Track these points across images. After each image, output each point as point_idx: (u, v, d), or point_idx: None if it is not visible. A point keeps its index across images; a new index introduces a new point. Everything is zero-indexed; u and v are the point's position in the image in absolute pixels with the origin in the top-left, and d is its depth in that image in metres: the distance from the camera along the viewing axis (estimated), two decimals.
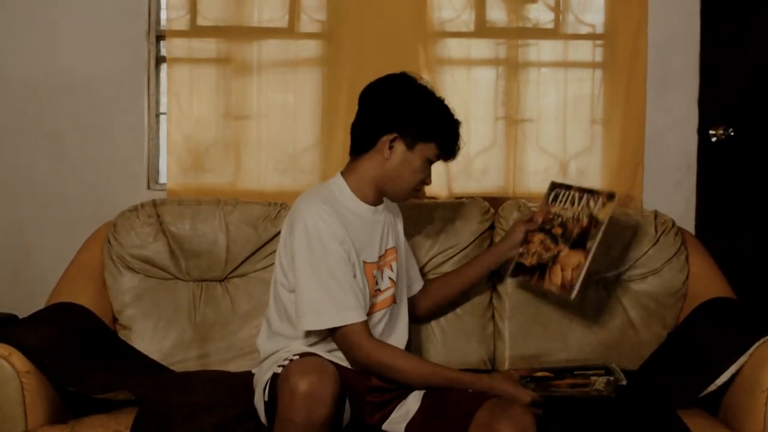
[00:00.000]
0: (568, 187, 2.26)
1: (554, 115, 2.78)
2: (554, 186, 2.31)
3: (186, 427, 1.89)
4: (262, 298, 2.40)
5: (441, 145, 1.97)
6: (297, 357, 1.84)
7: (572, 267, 2.12)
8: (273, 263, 2.36)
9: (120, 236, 2.43)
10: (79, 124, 2.76)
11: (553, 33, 2.78)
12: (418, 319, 2.32)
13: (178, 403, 1.99)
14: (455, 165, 2.73)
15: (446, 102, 2.00)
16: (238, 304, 2.45)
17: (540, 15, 2.77)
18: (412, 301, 2.20)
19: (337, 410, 1.72)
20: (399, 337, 2.07)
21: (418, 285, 2.30)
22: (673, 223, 2.52)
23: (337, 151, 2.69)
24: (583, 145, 2.78)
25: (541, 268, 2.20)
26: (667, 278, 2.47)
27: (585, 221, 2.16)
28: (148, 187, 2.78)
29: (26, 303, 2.51)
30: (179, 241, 2.45)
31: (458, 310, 2.46)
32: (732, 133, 2.75)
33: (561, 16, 2.77)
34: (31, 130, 2.77)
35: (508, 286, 2.48)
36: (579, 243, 2.15)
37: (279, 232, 2.39)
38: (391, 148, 1.94)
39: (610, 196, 2.14)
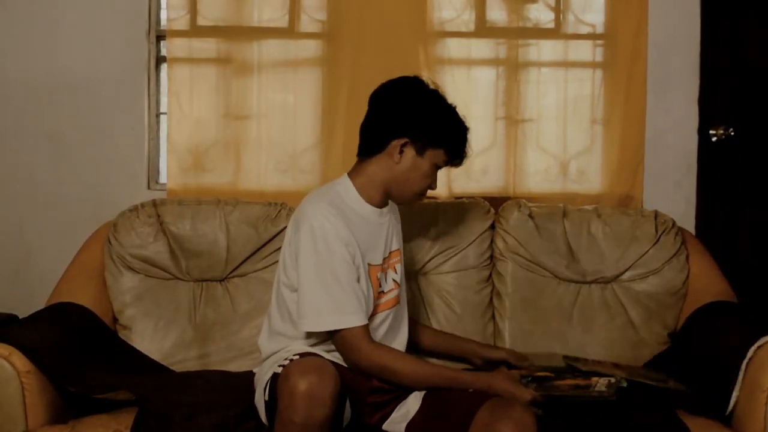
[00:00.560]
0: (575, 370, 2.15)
1: (554, 115, 2.78)
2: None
3: (186, 427, 1.89)
4: (262, 298, 2.40)
5: (449, 151, 1.97)
6: (297, 357, 1.84)
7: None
8: (273, 263, 2.39)
9: (120, 236, 2.43)
10: (80, 124, 2.76)
11: (554, 33, 2.78)
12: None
13: (178, 403, 1.99)
14: None
15: (456, 108, 2.00)
16: (238, 304, 2.45)
17: (540, 15, 2.77)
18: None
19: (337, 410, 1.72)
20: (401, 338, 2.08)
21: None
22: (674, 223, 2.52)
23: (337, 151, 2.69)
24: (584, 145, 2.78)
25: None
26: (667, 278, 2.47)
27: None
28: (149, 187, 2.78)
29: (26, 303, 2.51)
30: (179, 241, 2.45)
31: (458, 310, 2.46)
32: (732, 133, 2.75)
33: (561, 16, 2.77)
34: (31, 130, 2.77)
35: (509, 286, 2.49)
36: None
37: (279, 232, 2.42)
38: (401, 152, 1.94)
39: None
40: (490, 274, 2.51)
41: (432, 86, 1.99)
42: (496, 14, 2.78)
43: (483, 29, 2.77)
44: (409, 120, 1.93)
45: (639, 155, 2.75)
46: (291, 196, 2.52)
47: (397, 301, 2.05)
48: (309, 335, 1.93)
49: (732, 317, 2.29)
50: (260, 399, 1.91)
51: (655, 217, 2.52)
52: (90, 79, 2.76)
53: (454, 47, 2.75)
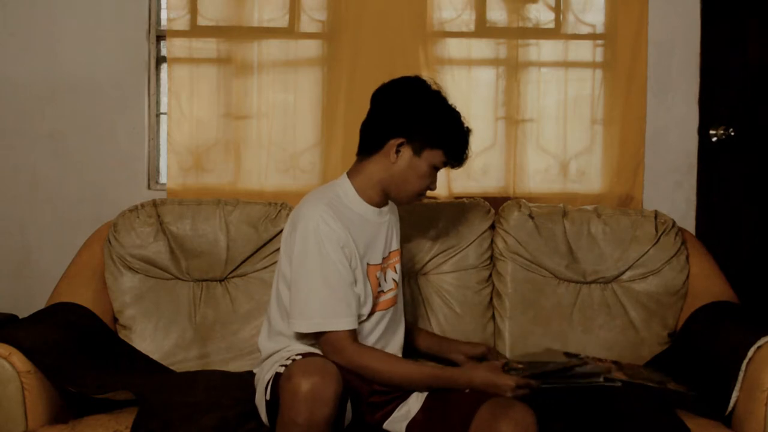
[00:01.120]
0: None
1: (554, 115, 2.78)
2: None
3: (186, 427, 1.89)
4: (262, 298, 2.40)
5: (448, 152, 1.96)
6: (299, 357, 1.83)
7: None
8: (273, 263, 2.39)
9: (120, 236, 2.43)
10: (80, 124, 2.76)
11: (554, 33, 2.78)
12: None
13: (178, 403, 1.98)
14: None
15: (457, 109, 1.99)
16: (238, 304, 2.45)
17: (540, 15, 2.77)
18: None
19: (339, 411, 1.72)
20: (398, 338, 2.08)
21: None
22: (674, 223, 2.52)
23: (337, 151, 2.69)
24: (584, 145, 2.78)
25: None
26: (667, 278, 2.47)
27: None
28: (149, 187, 2.78)
29: (26, 303, 2.51)
30: (179, 241, 2.45)
31: (458, 310, 2.46)
32: (732, 133, 2.75)
33: (561, 16, 2.77)
34: (31, 129, 2.77)
35: (509, 286, 2.49)
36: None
37: (279, 232, 2.42)
38: (398, 152, 1.93)
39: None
40: (490, 274, 2.51)
41: (435, 87, 1.98)
42: (496, 14, 2.78)
43: (483, 29, 2.77)
44: (406, 120, 1.93)
45: (639, 155, 2.75)
46: (291, 196, 2.53)
47: (394, 301, 2.06)
48: (304, 335, 1.93)
49: (732, 317, 2.29)
50: (261, 399, 1.91)
51: (655, 217, 2.52)
52: (90, 79, 2.76)
53: (454, 47, 2.75)
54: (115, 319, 2.41)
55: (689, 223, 2.76)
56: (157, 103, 2.82)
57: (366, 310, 1.95)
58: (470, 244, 2.49)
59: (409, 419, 1.93)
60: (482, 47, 2.78)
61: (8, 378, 1.93)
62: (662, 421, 1.98)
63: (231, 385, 2.15)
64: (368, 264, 1.97)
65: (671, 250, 2.48)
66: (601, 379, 1.92)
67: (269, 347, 2.00)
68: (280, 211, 2.48)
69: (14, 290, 2.76)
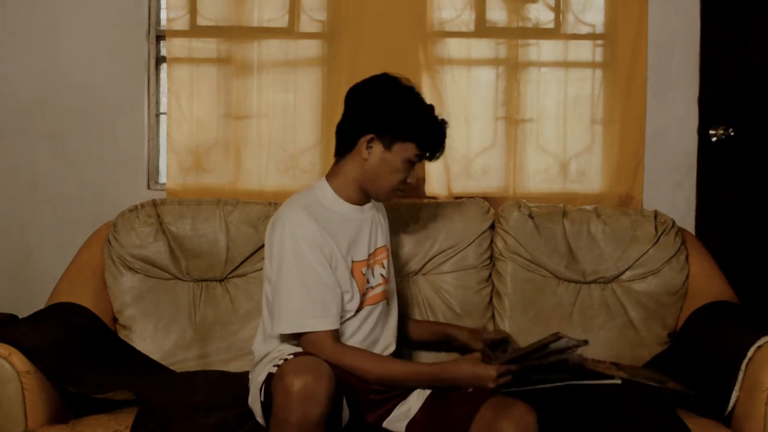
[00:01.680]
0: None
1: (554, 115, 2.78)
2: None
3: (186, 427, 1.89)
4: (262, 298, 2.40)
5: (421, 145, 1.98)
6: (291, 356, 1.84)
7: None
8: None
9: (120, 236, 2.43)
10: (80, 124, 2.76)
11: (554, 33, 2.77)
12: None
13: (178, 403, 1.98)
14: (455, 165, 2.74)
15: (429, 103, 2.01)
16: (238, 304, 2.45)
17: (540, 15, 2.77)
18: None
19: (333, 409, 1.72)
20: (389, 333, 2.09)
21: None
22: (673, 223, 2.52)
23: None
24: (584, 145, 2.78)
25: None
26: (667, 278, 2.47)
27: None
28: (148, 187, 2.78)
29: (26, 303, 2.51)
30: (179, 241, 2.45)
31: (458, 310, 2.46)
32: (732, 133, 2.75)
33: (561, 16, 2.77)
34: (31, 130, 2.77)
35: (508, 286, 2.49)
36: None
37: None
38: (369, 148, 1.96)
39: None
40: (490, 274, 2.51)
41: (406, 83, 2.00)
42: (496, 14, 2.77)
43: (483, 29, 2.77)
44: (375, 115, 1.96)
45: (639, 155, 2.75)
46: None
47: (384, 296, 2.06)
48: (292, 336, 1.95)
49: (732, 317, 2.29)
50: (255, 401, 1.91)
51: (655, 217, 2.53)
52: (90, 79, 2.75)
53: (454, 47, 2.75)
54: (115, 319, 2.41)
55: (689, 223, 2.75)
56: (157, 103, 2.82)
57: (353, 306, 1.97)
58: (470, 244, 2.49)
59: (410, 418, 1.93)
60: (482, 47, 2.78)
61: (8, 378, 1.93)
62: (662, 421, 1.98)
63: (231, 385, 2.15)
64: (353, 261, 1.98)
65: (671, 250, 2.48)
66: (579, 351, 1.92)
67: (262, 349, 2.01)
68: None
69: (14, 290, 2.76)
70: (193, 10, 2.73)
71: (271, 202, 2.51)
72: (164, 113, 2.79)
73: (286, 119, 2.73)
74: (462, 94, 2.74)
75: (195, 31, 2.74)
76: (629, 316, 2.47)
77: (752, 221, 2.78)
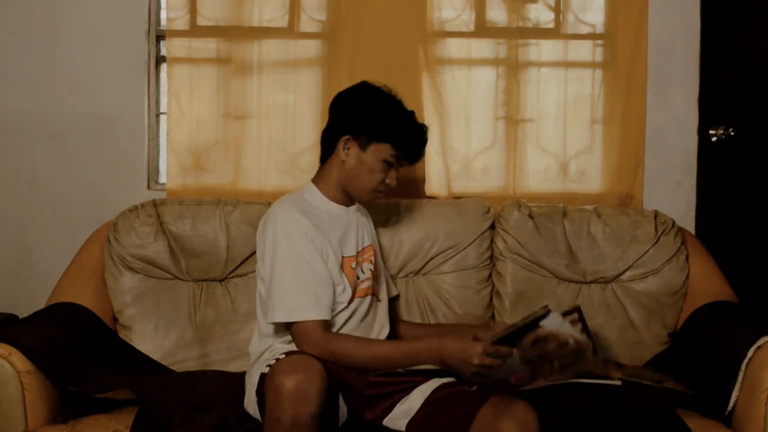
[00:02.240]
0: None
1: (554, 114, 2.78)
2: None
3: (186, 427, 1.89)
4: (256, 298, 2.40)
5: (396, 145, 2.03)
6: (283, 356, 1.84)
7: None
8: None
9: (120, 236, 2.43)
10: (80, 124, 2.76)
11: (553, 33, 2.78)
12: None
13: (178, 403, 1.98)
14: (455, 165, 2.74)
15: (407, 107, 2.08)
16: (238, 304, 2.45)
17: (540, 15, 2.77)
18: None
19: (327, 407, 1.72)
20: (380, 323, 2.11)
21: (392, 290, 2.34)
22: (673, 223, 2.52)
23: None
24: (584, 144, 2.78)
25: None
26: (667, 278, 2.47)
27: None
28: (148, 187, 2.78)
29: (26, 303, 2.51)
30: (179, 241, 2.45)
31: (458, 310, 2.46)
32: (732, 133, 2.75)
33: (561, 16, 2.77)
34: (32, 130, 2.76)
35: (508, 286, 2.49)
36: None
37: None
38: (346, 149, 2.04)
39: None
40: (490, 274, 2.51)
41: (384, 90, 2.07)
42: (496, 14, 2.77)
43: (483, 29, 2.77)
44: (350, 117, 2.04)
45: (639, 155, 2.75)
46: None
47: (371, 290, 2.09)
48: (286, 333, 1.97)
49: (732, 317, 2.29)
50: (250, 401, 1.92)
51: (655, 217, 2.53)
52: (90, 79, 2.75)
53: (454, 47, 2.75)
54: (115, 319, 2.41)
55: (689, 223, 2.75)
56: (157, 103, 2.82)
57: (345, 298, 2.01)
58: (470, 244, 2.49)
59: (410, 417, 1.93)
60: (482, 47, 2.78)
61: (8, 378, 1.93)
62: (662, 421, 1.98)
63: (231, 385, 2.14)
64: (343, 256, 2.03)
65: (671, 250, 2.48)
66: (567, 322, 1.91)
67: (257, 349, 2.03)
68: None
69: (14, 290, 2.75)
70: (193, 10, 2.73)
71: (271, 202, 2.49)
72: (164, 113, 2.79)
73: (286, 119, 2.73)
74: (462, 94, 2.74)
75: (195, 31, 2.74)
76: (629, 316, 2.47)
77: (752, 221, 2.78)
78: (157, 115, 2.82)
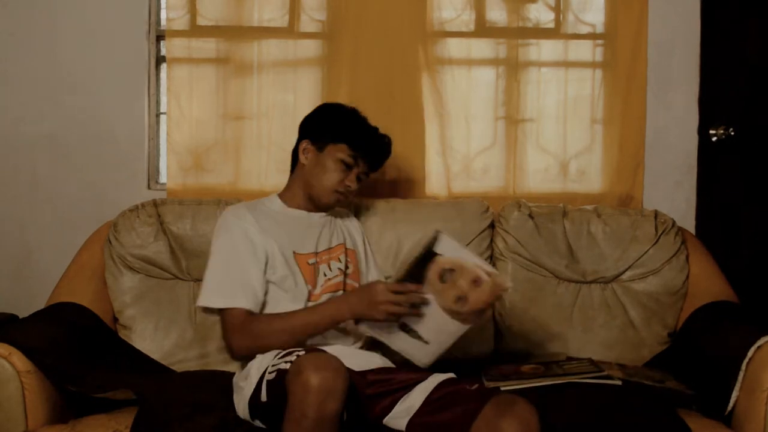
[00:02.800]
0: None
1: (554, 114, 2.78)
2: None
3: (186, 427, 1.88)
4: None
5: (352, 145, 2.11)
6: (302, 353, 1.83)
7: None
8: None
9: (120, 236, 2.43)
10: (80, 124, 2.76)
11: (553, 33, 2.78)
12: None
13: (178, 403, 1.98)
14: (455, 165, 2.75)
15: (364, 116, 2.19)
16: None
17: (540, 15, 2.77)
18: None
19: (344, 407, 1.72)
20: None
21: None
22: (673, 223, 2.52)
23: None
24: (584, 144, 2.78)
25: None
26: (667, 278, 2.47)
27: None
28: (149, 187, 2.78)
29: (26, 303, 2.51)
30: (180, 240, 2.45)
31: None
32: (732, 133, 2.75)
33: (561, 16, 2.77)
34: (31, 130, 2.77)
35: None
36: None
37: None
38: (305, 153, 2.15)
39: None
40: None
41: (348, 107, 2.20)
42: (496, 14, 2.78)
43: (483, 29, 2.77)
44: (310, 125, 2.20)
45: (639, 155, 2.75)
46: None
47: (341, 286, 2.13)
48: None
49: (732, 317, 2.29)
50: (240, 404, 1.92)
51: (655, 217, 2.53)
52: (90, 79, 2.76)
53: (454, 47, 2.75)
54: (115, 319, 2.41)
55: (689, 223, 2.76)
56: (157, 103, 2.82)
57: (301, 292, 2.05)
58: (469, 243, 2.49)
59: (411, 415, 1.92)
60: (482, 47, 2.78)
61: (8, 378, 1.93)
62: (662, 420, 1.97)
63: (231, 385, 2.14)
64: (295, 252, 2.08)
65: (671, 249, 2.48)
66: (465, 248, 1.91)
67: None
68: None
69: (14, 290, 2.76)
70: (192, 10, 2.74)
71: None
72: (164, 113, 2.79)
73: (286, 119, 2.73)
74: (462, 94, 2.74)
75: (195, 31, 2.74)
76: (629, 315, 2.47)
77: (752, 221, 2.77)
78: (158, 115, 2.82)
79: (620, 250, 2.49)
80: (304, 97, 2.73)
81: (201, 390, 2.09)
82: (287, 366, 1.77)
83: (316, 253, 2.13)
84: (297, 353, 1.84)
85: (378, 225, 2.49)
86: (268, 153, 2.74)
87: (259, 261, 2.04)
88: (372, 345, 2.09)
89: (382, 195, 2.68)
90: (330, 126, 2.15)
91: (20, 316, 2.38)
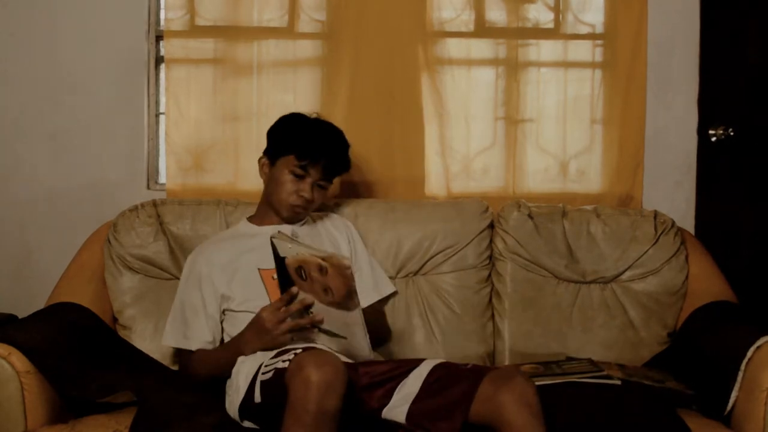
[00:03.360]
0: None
1: (554, 115, 2.78)
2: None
3: (186, 427, 1.89)
4: None
5: (299, 155, 2.14)
6: (300, 350, 1.83)
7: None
8: None
9: (120, 236, 2.43)
10: (79, 123, 2.76)
11: (553, 33, 2.78)
12: None
13: (178, 403, 1.98)
14: (455, 165, 2.75)
15: (319, 122, 2.23)
16: None
17: (540, 15, 2.77)
18: None
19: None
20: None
21: (387, 288, 2.38)
22: (673, 223, 2.52)
23: None
24: (583, 145, 2.78)
25: None
26: (666, 278, 2.47)
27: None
28: (148, 187, 2.78)
29: (26, 303, 2.51)
30: (179, 241, 2.45)
31: (458, 310, 2.46)
32: (732, 133, 2.74)
33: (561, 16, 2.77)
34: (31, 129, 2.76)
35: (508, 286, 2.49)
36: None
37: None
38: (263, 170, 2.23)
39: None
40: (490, 274, 2.51)
41: (308, 114, 2.26)
42: (496, 14, 2.77)
43: (482, 29, 2.77)
44: (267, 142, 2.26)
45: (639, 155, 2.75)
46: None
47: None
48: None
49: (731, 317, 2.29)
50: (233, 408, 1.93)
51: (655, 217, 2.53)
52: (90, 79, 2.75)
53: (453, 47, 2.75)
54: (115, 319, 2.41)
55: (689, 223, 2.75)
56: (157, 103, 2.81)
57: (261, 303, 2.04)
58: (468, 243, 2.49)
59: (410, 402, 1.88)
60: (482, 47, 2.78)
61: (8, 378, 1.93)
62: (662, 420, 1.98)
63: None
64: (260, 269, 2.13)
65: (670, 250, 2.48)
66: (297, 243, 1.93)
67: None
68: None
69: (14, 290, 2.75)
70: (192, 11, 2.73)
71: None
72: (164, 113, 2.78)
73: None
74: (462, 94, 2.74)
75: (194, 31, 2.74)
76: (629, 316, 2.47)
77: (752, 221, 2.77)
78: (157, 115, 2.82)
79: (620, 251, 2.49)
80: (304, 97, 2.73)
81: (201, 390, 2.09)
82: (285, 365, 1.77)
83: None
84: (294, 351, 1.84)
85: (377, 225, 2.49)
86: None
87: (211, 304, 2.13)
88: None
89: (382, 195, 2.69)
90: (278, 139, 2.22)
91: (20, 316, 2.38)
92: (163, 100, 2.79)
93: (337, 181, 2.64)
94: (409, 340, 2.42)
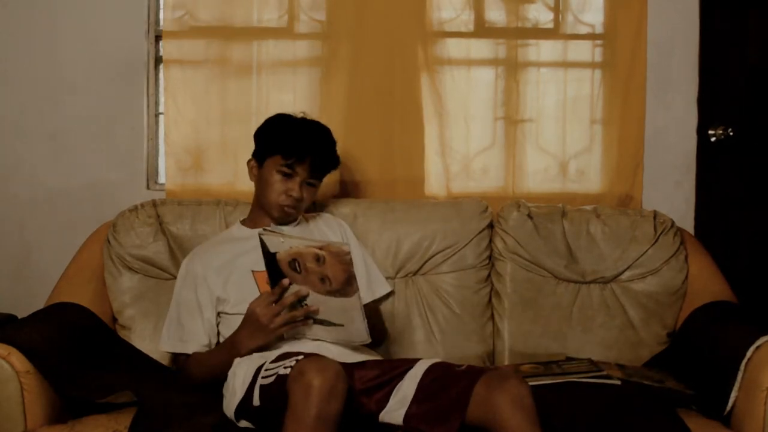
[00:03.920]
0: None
1: (554, 115, 2.78)
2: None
3: (185, 427, 1.89)
4: None
5: (285, 154, 2.14)
6: (301, 357, 1.83)
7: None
8: None
9: (120, 236, 2.43)
10: (79, 123, 2.76)
11: (553, 33, 2.78)
12: None
13: (177, 403, 1.99)
14: (454, 165, 2.74)
15: (305, 121, 2.22)
16: None
17: (539, 15, 2.77)
18: None
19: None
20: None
21: (381, 289, 2.37)
22: (673, 223, 2.52)
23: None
24: (583, 145, 2.78)
25: None
26: (666, 278, 2.47)
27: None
28: (148, 187, 2.78)
29: (26, 303, 2.51)
30: (179, 241, 2.46)
31: (458, 310, 2.46)
32: (732, 133, 2.75)
33: (560, 16, 2.77)
34: (31, 129, 2.77)
35: (508, 286, 2.49)
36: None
37: None
38: (252, 171, 2.24)
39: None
40: (489, 274, 2.51)
41: (294, 115, 2.24)
42: (495, 14, 2.77)
43: (482, 29, 2.77)
44: (255, 143, 2.25)
45: (638, 155, 2.75)
46: None
47: None
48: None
49: (731, 317, 2.29)
50: (229, 410, 1.93)
51: (654, 217, 2.53)
52: (90, 79, 2.75)
53: (453, 47, 2.75)
54: (115, 319, 2.41)
55: (688, 223, 2.75)
56: (157, 103, 2.81)
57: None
58: (468, 243, 2.49)
59: (406, 406, 1.88)
60: (481, 47, 2.78)
61: (7, 378, 1.93)
62: (662, 420, 1.98)
63: None
64: (253, 271, 2.11)
65: (670, 250, 2.48)
66: (289, 237, 1.93)
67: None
68: None
69: (14, 290, 2.76)
70: (191, 11, 2.73)
71: None
72: (163, 113, 2.78)
73: None
74: (461, 94, 2.74)
75: (193, 31, 2.74)
76: (629, 315, 2.47)
77: (752, 221, 2.78)
78: (157, 115, 2.82)
79: (619, 251, 2.49)
80: (303, 97, 2.73)
81: (200, 390, 2.09)
82: (286, 371, 1.78)
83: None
84: (296, 358, 1.84)
85: (377, 225, 2.49)
86: None
87: (206, 307, 2.14)
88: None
89: (381, 195, 2.69)
90: (264, 140, 2.22)
91: (19, 316, 2.38)
92: (162, 100, 2.79)
93: (336, 181, 2.65)
94: (408, 339, 2.42)
